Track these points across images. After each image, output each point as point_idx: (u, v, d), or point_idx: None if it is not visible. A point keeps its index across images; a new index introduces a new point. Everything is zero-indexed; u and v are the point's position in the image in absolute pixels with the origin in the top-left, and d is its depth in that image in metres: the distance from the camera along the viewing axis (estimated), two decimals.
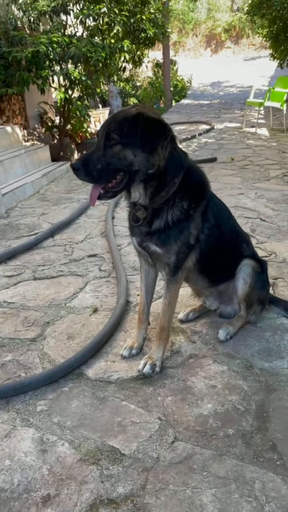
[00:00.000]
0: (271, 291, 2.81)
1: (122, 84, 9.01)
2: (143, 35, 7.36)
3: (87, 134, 9.58)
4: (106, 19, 6.87)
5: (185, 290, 2.73)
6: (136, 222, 2.04)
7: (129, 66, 8.42)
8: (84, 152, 1.80)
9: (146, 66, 9.34)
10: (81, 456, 1.66)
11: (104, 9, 6.56)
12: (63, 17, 7.24)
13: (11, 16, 6.72)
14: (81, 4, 7.03)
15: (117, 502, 1.47)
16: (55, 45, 6.25)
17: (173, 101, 17.66)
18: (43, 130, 9.23)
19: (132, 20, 7.07)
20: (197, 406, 1.88)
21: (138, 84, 18.04)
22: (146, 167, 1.83)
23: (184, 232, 2.02)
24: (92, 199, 1.92)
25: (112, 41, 6.99)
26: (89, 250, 3.71)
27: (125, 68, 8.29)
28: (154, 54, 17.59)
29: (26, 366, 2.22)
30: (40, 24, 7.17)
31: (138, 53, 8.02)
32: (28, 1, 6.90)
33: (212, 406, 1.88)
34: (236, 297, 2.35)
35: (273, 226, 4.03)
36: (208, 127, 10.79)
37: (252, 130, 10.08)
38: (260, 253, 3.42)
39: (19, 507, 1.48)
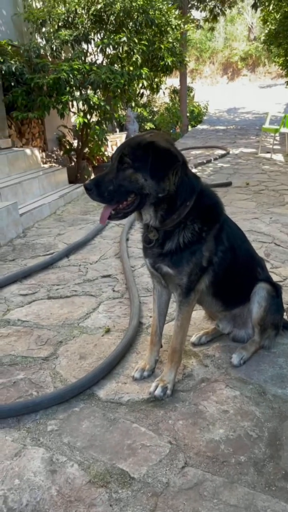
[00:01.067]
0: (285, 317, 2.79)
1: (139, 109, 9.21)
2: (161, 63, 7.56)
3: (104, 157, 9.75)
4: (125, 48, 7.09)
5: (198, 313, 2.73)
6: (149, 244, 2.08)
7: (147, 92, 8.64)
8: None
9: (164, 92, 9.58)
10: (90, 478, 1.65)
11: (124, 39, 6.78)
12: (84, 45, 7.51)
13: (34, 45, 6.99)
14: (101, 34, 7.29)
15: None
16: (76, 72, 6.45)
17: (189, 126, 17.94)
18: (61, 152, 9.43)
19: (150, 49, 7.28)
20: (209, 431, 1.86)
21: (155, 109, 18.39)
22: (156, 191, 1.88)
23: (196, 254, 2.03)
24: (103, 218, 1.98)
25: (131, 68, 7.19)
26: (103, 270, 3.74)
27: (142, 94, 8.49)
28: (172, 81, 17.99)
29: (38, 384, 2.22)
30: (62, 52, 7.43)
31: (156, 80, 8.23)
32: (51, 30, 7.18)
33: (223, 431, 1.85)
34: (251, 320, 2.33)
35: None
36: (223, 152, 10.90)
37: (268, 155, 10.15)
38: (275, 278, 3.41)
39: None
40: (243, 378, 2.20)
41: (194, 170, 8.78)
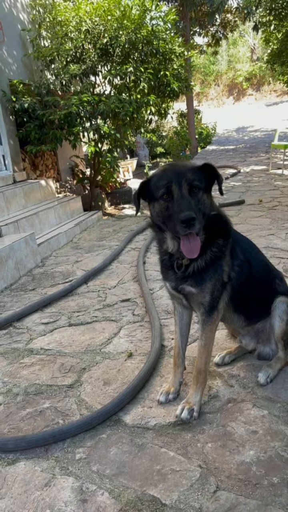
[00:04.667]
0: None
1: (148, 135, 9.39)
2: (167, 89, 7.74)
3: (117, 184, 9.91)
4: (132, 77, 7.30)
5: (219, 333, 2.71)
6: (180, 269, 2.06)
7: (155, 118, 8.82)
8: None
9: (171, 117, 9.72)
10: (121, 506, 1.63)
11: (131, 69, 6.99)
12: (92, 78, 7.75)
13: (45, 81, 7.26)
14: (108, 66, 7.53)
15: None
16: (85, 104, 6.66)
17: (199, 148, 18.15)
18: (75, 182, 9.64)
19: (157, 76, 7.47)
20: (239, 453, 1.82)
21: (164, 134, 18.71)
22: (210, 210, 1.97)
23: (218, 270, 2.05)
24: (195, 250, 1.88)
25: (139, 96, 7.38)
26: (122, 295, 3.77)
27: (151, 120, 8.68)
28: (179, 105, 18.34)
29: (64, 413, 2.23)
30: (71, 85, 7.69)
31: (164, 105, 8.40)
32: (60, 66, 7.45)
33: (254, 452, 1.81)
34: (273, 335, 2.31)
35: None
36: (234, 171, 10.97)
37: (279, 171, 10.17)
38: None
39: None
40: (270, 397, 2.16)
41: None
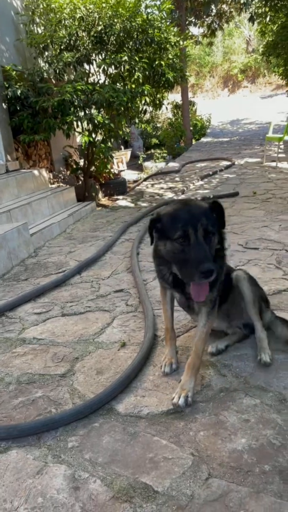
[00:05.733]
0: None
1: (143, 125, 9.33)
2: (162, 79, 7.67)
3: (111, 175, 9.85)
4: (127, 67, 7.21)
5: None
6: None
7: (150, 108, 8.75)
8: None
9: (166, 108, 9.64)
10: (113, 493, 1.63)
11: (125, 58, 6.91)
12: (86, 66, 7.65)
13: (38, 69, 7.16)
14: (103, 54, 7.43)
15: None
16: (79, 93, 6.58)
17: (193, 140, 18.08)
18: (68, 172, 9.57)
19: (152, 66, 7.40)
20: (231, 441, 1.83)
21: (158, 125, 18.60)
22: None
23: (220, 277, 2.19)
24: (204, 295, 1.97)
25: (133, 86, 7.30)
26: (115, 285, 3.76)
27: (145, 110, 8.60)
28: (174, 96, 18.23)
29: (56, 402, 2.22)
30: (65, 74, 7.59)
31: (158, 96, 8.32)
32: (54, 54, 7.35)
33: (246, 441, 1.82)
34: (246, 307, 2.45)
35: None
36: (229, 163, 10.96)
37: (273, 164, 10.17)
38: None
39: None
40: (262, 386, 2.18)
41: (200, 182, 8.84)
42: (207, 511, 1.52)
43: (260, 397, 2.10)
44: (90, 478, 1.71)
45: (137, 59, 7.05)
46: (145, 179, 10.51)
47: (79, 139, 8.49)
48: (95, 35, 7.02)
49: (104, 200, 9.08)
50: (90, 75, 7.76)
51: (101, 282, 3.88)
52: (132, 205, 7.61)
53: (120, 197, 8.94)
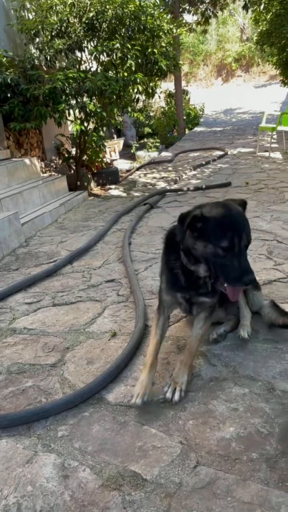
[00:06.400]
0: None
1: (136, 114, 9.22)
2: (155, 67, 7.59)
3: (103, 164, 9.77)
4: (119, 54, 7.12)
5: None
6: (206, 287, 2.18)
7: (142, 97, 8.66)
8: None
9: (159, 96, 9.55)
10: (103, 481, 1.65)
11: (117, 45, 6.82)
12: (78, 54, 7.54)
13: (29, 55, 7.04)
14: (95, 41, 7.33)
15: None
16: (71, 81, 6.49)
17: (186, 129, 17.98)
18: (60, 161, 9.48)
19: (144, 54, 7.31)
20: (219, 429, 1.85)
21: (151, 114, 18.45)
22: None
23: None
24: (238, 295, 2.14)
25: (126, 74, 7.21)
26: (106, 275, 3.75)
27: (138, 99, 8.52)
28: (167, 85, 18.06)
29: (46, 391, 2.23)
30: (56, 61, 7.48)
31: (151, 84, 8.23)
32: (45, 40, 7.23)
33: (234, 429, 1.84)
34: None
35: None
36: (222, 153, 10.93)
37: (266, 154, 10.16)
38: (278, 274, 3.42)
39: None
40: (251, 376, 2.20)
41: (193, 172, 8.81)
42: (195, 498, 1.54)
43: (249, 386, 2.12)
44: (79, 467, 1.72)
45: (129, 46, 6.96)
46: (137, 169, 10.45)
47: (71, 127, 8.39)
48: (86, 21, 6.91)
49: (96, 190, 9.03)
50: (82, 62, 7.66)
51: (92, 272, 3.88)
52: (125, 194, 7.57)
53: (113, 186, 8.90)
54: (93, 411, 2.05)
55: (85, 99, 7.07)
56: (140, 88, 7.51)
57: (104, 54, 7.18)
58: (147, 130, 17.06)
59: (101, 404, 2.09)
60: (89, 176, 9.01)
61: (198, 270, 2.08)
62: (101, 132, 7.80)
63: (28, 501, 1.59)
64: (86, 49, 7.42)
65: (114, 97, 7.04)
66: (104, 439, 1.86)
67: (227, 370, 2.27)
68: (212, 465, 1.68)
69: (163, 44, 7.69)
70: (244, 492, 1.54)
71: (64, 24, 6.99)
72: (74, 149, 8.96)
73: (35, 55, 7.27)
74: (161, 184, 8.05)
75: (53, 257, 4.34)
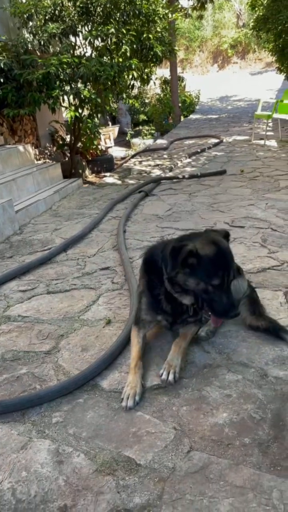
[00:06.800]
0: (284, 300, 2.81)
1: (131, 101, 9.14)
2: (150, 52, 7.48)
3: (98, 151, 9.70)
4: (114, 39, 7.01)
5: None
6: (188, 312, 2.26)
7: (137, 83, 8.56)
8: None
9: (154, 83, 9.45)
10: (97, 466, 1.66)
11: (112, 30, 6.71)
12: (72, 38, 7.42)
13: (22, 40, 6.92)
14: (89, 26, 7.21)
15: None
16: (65, 66, 6.39)
17: (182, 117, 17.85)
18: (55, 148, 9.39)
19: (139, 39, 7.21)
20: (212, 415, 1.87)
21: (146, 101, 18.27)
22: None
23: None
24: (221, 322, 2.29)
25: (120, 60, 7.12)
26: (101, 263, 3.75)
27: (133, 85, 8.42)
28: (162, 72, 17.89)
29: (41, 378, 2.23)
30: (50, 46, 7.36)
31: (146, 70, 8.13)
32: (38, 24, 7.10)
33: (227, 415, 1.86)
34: None
35: (285, 235, 4.02)
36: (217, 140, 10.87)
37: (261, 142, 10.12)
38: (272, 262, 3.43)
39: None
40: (244, 362, 2.21)
41: (188, 160, 8.77)
42: (188, 482, 1.56)
43: (242, 372, 2.14)
44: (74, 452, 1.74)
45: (124, 31, 6.86)
46: (132, 156, 10.38)
47: (65, 114, 8.30)
48: (81, 5, 6.79)
49: (91, 177, 8.97)
50: (76, 47, 7.54)
51: (87, 259, 3.87)
52: (120, 182, 7.53)
53: (107, 174, 8.85)
54: (87, 397, 2.06)
55: (79, 85, 6.98)
56: (135, 74, 7.42)
57: (99, 39, 7.07)
58: (142, 117, 16.92)
59: (95, 390, 2.10)
60: (84, 163, 8.95)
61: (183, 299, 2.17)
62: (96, 119, 7.73)
63: (23, 486, 1.60)
64: (80, 33, 7.30)
65: (109, 83, 6.96)
66: (98, 425, 1.87)
67: (221, 357, 2.28)
68: (205, 450, 1.70)
69: (159, 29, 7.59)
70: (236, 476, 1.57)
71: (58, 8, 6.88)
72: (69, 136, 8.87)
73: (28, 39, 7.15)
74: (156, 172, 8.01)
75: (48, 245, 4.32)
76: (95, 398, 2.05)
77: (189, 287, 2.07)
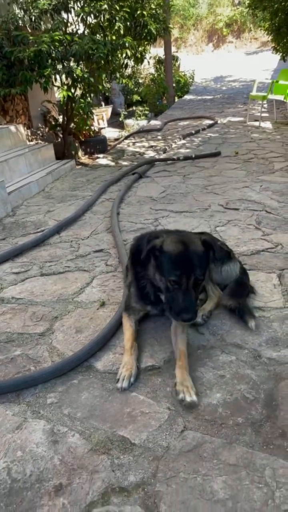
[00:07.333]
0: (278, 282, 2.82)
1: (124, 80, 8.95)
2: (144, 30, 7.33)
3: (91, 132, 9.57)
4: (107, 16, 6.85)
5: None
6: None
7: (131, 62, 8.40)
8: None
9: (148, 62, 9.27)
10: (92, 446, 1.68)
11: (105, 6, 6.55)
12: (64, 15, 7.23)
13: (12, 16, 6.73)
14: (81, 2, 7.02)
15: (129, 490, 1.49)
16: (57, 44, 6.25)
17: (176, 97, 17.61)
18: (47, 129, 9.25)
19: (133, 16, 7.04)
20: (206, 395, 1.89)
21: (140, 81, 17.97)
22: None
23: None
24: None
25: (114, 37, 6.97)
26: (95, 245, 3.73)
27: (127, 64, 8.26)
28: (156, 51, 17.53)
29: (35, 360, 2.24)
30: (42, 23, 7.17)
31: (140, 49, 7.97)
32: (29, 0, 6.90)
33: (221, 395, 1.88)
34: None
35: (279, 218, 4.02)
36: (211, 122, 10.76)
37: (256, 123, 10.03)
38: (267, 244, 3.43)
39: (31, 496, 1.50)
40: (238, 343, 2.23)
41: (182, 141, 8.68)
42: (182, 461, 1.58)
43: (236, 354, 2.15)
44: (68, 432, 1.75)
45: (117, 8, 6.70)
46: (126, 137, 10.26)
47: (57, 94, 8.14)
48: None
49: (84, 159, 8.87)
50: (68, 24, 7.36)
51: (80, 242, 3.84)
52: (113, 163, 7.45)
53: (101, 155, 8.75)
54: (82, 378, 2.07)
55: (72, 63, 6.84)
56: (129, 53, 7.28)
57: (92, 15, 6.91)
58: (136, 97, 16.66)
59: (90, 372, 2.11)
60: (77, 144, 8.83)
61: (161, 295, 2.19)
62: (89, 99, 7.59)
63: (18, 466, 1.61)
64: (72, 10, 7.12)
65: (102, 62, 6.83)
66: (93, 406, 1.88)
67: (215, 339, 2.30)
68: (199, 429, 1.72)
69: (153, 6, 7.44)
70: (229, 455, 1.59)
71: None
72: (61, 116, 8.72)
73: (19, 15, 6.96)
74: (150, 153, 7.93)
75: (41, 227, 4.29)
76: (89, 379, 2.06)
77: (156, 281, 2.14)
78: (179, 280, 1.99)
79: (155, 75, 16.99)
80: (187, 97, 18.33)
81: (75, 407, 1.88)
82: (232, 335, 2.30)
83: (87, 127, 8.93)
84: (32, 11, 6.80)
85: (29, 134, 8.57)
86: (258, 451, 1.59)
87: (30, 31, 7.10)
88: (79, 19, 7.07)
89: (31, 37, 6.27)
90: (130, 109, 15.72)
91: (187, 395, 1.84)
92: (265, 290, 2.73)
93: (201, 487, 1.47)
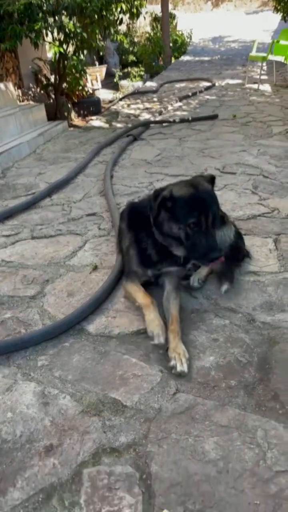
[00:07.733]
0: (273, 247, 2.77)
1: (119, 37, 8.53)
2: None
3: (84, 93, 9.23)
4: None
5: None
6: (180, 262, 2.23)
7: (126, 18, 8.00)
8: None
9: (144, 17, 8.86)
10: (83, 408, 1.66)
11: None
12: None
13: None
14: None
15: (120, 450, 1.48)
16: None
17: (173, 58, 17.00)
18: (38, 89, 8.91)
19: None
20: (199, 358, 1.87)
21: (136, 40, 17.28)
22: None
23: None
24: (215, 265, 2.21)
25: None
26: (87, 209, 3.64)
27: (122, 20, 7.87)
28: (152, 8, 16.78)
29: (26, 323, 2.20)
30: None
31: (136, 3, 7.57)
32: None
33: (214, 358, 1.86)
34: None
35: (276, 182, 3.93)
36: (209, 84, 10.43)
37: (255, 86, 9.74)
38: (263, 209, 3.36)
39: (22, 457, 1.48)
40: (232, 308, 2.20)
41: (179, 104, 8.43)
42: (173, 422, 1.57)
43: (230, 318, 2.13)
44: (59, 394, 1.73)
45: None
46: (120, 99, 9.94)
47: (49, 50, 7.79)
48: None
49: (77, 120, 8.59)
50: None
51: (72, 205, 3.75)
52: (107, 125, 7.23)
53: (94, 117, 8.48)
54: (73, 341, 2.04)
55: (64, 18, 6.50)
56: (124, 7, 6.94)
57: None
58: (131, 58, 16.08)
59: (81, 335, 2.08)
60: (69, 105, 8.54)
61: (176, 251, 2.14)
62: (82, 56, 7.28)
63: (8, 427, 1.60)
64: None
65: (96, 16, 6.50)
66: (84, 368, 1.86)
67: (208, 303, 2.26)
68: (191, 392, 1.70)
69: None
70: (221, 417, 1.58)
71: None
72: (53, 76, 8.39)
73: None
74: (145, 116, 7.70)
75: (32, 189, 4.17)
76: (81, 342, 2.03)
77: (174, 233, 2.05)
78: (199, 221, 1.95)
79: (151, 34, 16.33)
80: (184, 58, 17.70)
81: (66, 370, 1.86)
82: (226, 299, 2.27)
83: (80, 87, 8.60)
84: None
85: (20, 94, 8.26)
86: (250, 413, 1.59)
87: None
88: None
89: None
90: (125, 70, 15.19)
91: (178, 364, 1.79)
92: (260, 255, 2.69)
93: (193, 448, 1.47)
